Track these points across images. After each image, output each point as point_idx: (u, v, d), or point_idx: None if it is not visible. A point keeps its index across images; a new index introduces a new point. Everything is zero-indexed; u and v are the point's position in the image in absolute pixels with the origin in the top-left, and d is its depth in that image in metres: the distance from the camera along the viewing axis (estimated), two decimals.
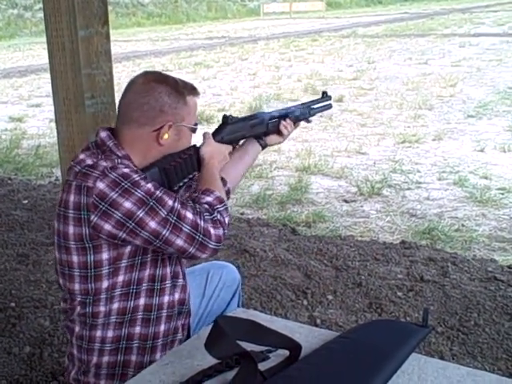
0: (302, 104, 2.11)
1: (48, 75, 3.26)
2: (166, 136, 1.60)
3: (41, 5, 3.54)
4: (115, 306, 1.58)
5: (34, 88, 11.24)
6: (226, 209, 1.63)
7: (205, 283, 1.93)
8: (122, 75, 11.28)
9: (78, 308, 1.59)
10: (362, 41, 16.80)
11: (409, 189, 4.69)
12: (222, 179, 1.86)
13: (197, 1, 35.55)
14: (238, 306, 1.98)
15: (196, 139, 1.73)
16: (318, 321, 2.70)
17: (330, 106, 2.20)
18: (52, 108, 3.33)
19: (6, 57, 17.81)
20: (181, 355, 1.41)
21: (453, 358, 2.38)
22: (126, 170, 1.51)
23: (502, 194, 4.46)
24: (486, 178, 4.84)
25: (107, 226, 1.48)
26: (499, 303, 2.80)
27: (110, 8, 3.26)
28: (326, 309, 2.83)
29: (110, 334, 1.60)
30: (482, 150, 5.66)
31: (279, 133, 1.98)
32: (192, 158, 1.70)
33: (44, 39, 3.25)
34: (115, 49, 3.76)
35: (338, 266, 3.27)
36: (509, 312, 2.72)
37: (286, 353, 1.33)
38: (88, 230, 1.50)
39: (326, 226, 3.99)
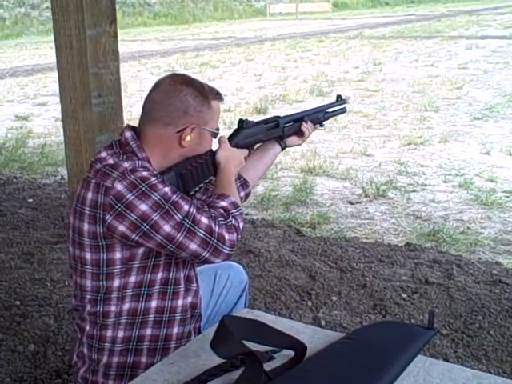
0: (317, 108, 2.11)
1: (54, 74, 3.27)
2: (188, 138, 1.61)
3: (48, 4, 3.56)
4: (126, 306, 1.59)
5: (40, 87, 11.27)
6: (241, 213, 1.63)
7: (213, 283, 1.93)
8: (128, 75, 11.31)
9: (89, 306, 1.60)
10: (369, 42, 16.78)
11: (414, 191, 4.68)
12: (245, 181, 1.89)
13: (203, 1, 35.57)
14: (245, 306, 1.98)
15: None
16: (323, 322, 2.70)
17: (344, 110, 2.21)
18: (58, 107, 3.34)
19: (12, 55, 17.85)
20: (186, 354, 1.41)
21: (457, 361, 2.37)
22: (145, 173, 1.51)
23: (508, 196, 4.45)
24: (491, 180, 4.82)
25: (121, 227, 1.49)
26: (504, 306, 2.79)
27: (116, 7, 3.26)
28: (330, 310, 2.83)
29: (120, 334, 1.60)
30: (487, 153, 5.65)
31: (299, 134, 2.02)
32: (208, 163, 1.70)
33: (50, 38, 3.25)
34: (121, 48, 3.77)
35: (342, 268, 3.26)
36: None
37: (291, 353, 1.33)
38: (102, 228, 1.51)
39: (331, 228, 3.98)
